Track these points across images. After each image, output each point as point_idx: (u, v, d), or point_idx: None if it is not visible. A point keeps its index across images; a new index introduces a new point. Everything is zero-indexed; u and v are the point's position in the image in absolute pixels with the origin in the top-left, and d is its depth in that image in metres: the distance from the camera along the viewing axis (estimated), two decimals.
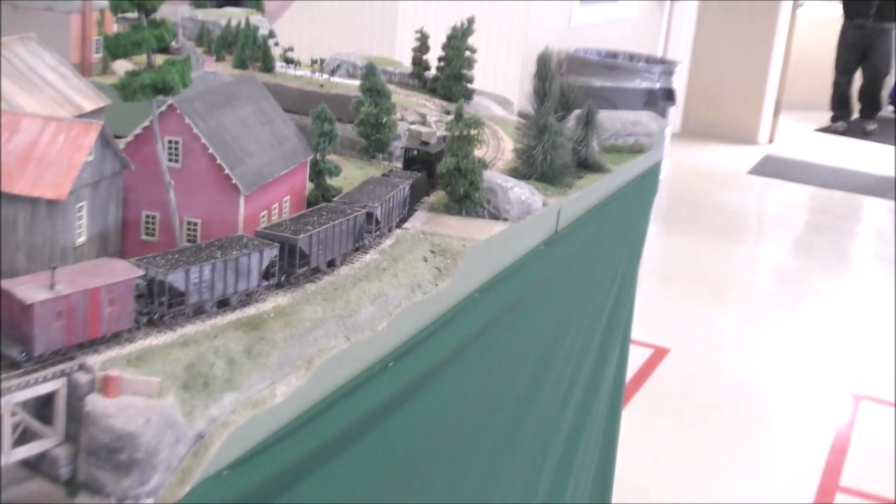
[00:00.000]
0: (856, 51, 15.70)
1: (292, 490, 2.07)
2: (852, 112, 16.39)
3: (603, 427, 4.38)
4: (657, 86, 9.88)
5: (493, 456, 3.19)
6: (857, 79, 16.18)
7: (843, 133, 16.14)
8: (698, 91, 14.79)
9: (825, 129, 16.35)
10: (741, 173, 13.38)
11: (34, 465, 1.84)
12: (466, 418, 2.93)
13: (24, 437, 1.81)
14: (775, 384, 7.36)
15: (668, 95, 10.02)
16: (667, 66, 10.14)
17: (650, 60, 10.67)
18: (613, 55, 10.70)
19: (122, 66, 4.43)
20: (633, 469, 5.70)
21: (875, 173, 13.87)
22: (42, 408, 1.85)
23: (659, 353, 7.52)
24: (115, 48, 2.10)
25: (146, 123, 2.29)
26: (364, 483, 2.37)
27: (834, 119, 16.54)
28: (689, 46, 14.64)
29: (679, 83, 11.34)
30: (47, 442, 1.81)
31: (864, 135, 15.97)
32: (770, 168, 13.71)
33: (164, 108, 2.27)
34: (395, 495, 2.54)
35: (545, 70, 3.36)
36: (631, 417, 6.22)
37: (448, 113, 4.16)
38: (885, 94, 16.44)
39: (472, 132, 2.86)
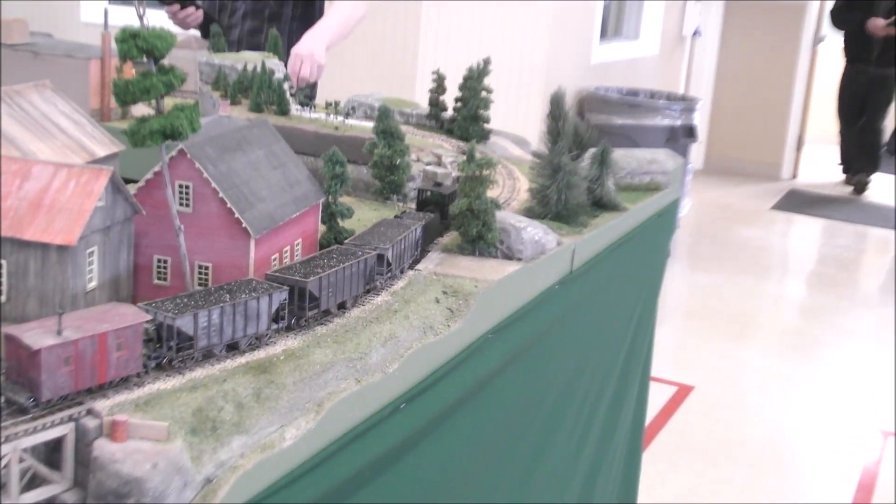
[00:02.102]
0: (857, 98, 14.48)
1: None
2: (876, 163, 15.05)
3: (622, 468, 4.35)
4: (678, 123, 9.88)
5: (508, 501, 3.16)
6: None
7: (863, 190, 14.89)
8: (721, 127, 14.79)
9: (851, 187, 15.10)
10: (765, 209, 13.34)
11: None
12: (480, 462, 2.92)
13: (32, 482, 1.82)
14: (802, 421, 7.30)
15: (690, 132, 10.02)
16: (688, 103, 10.14)
17: (671, 97, 10.68)
18: (634, 93, 10.72)
19: (141, 110, 4.48)
20: None
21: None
22: (51, 453, 1.85)
23: (683, 391, 7.48)
24: (125, 95, 2.12)
25: (157, 168, 2.31)
26: None
27: (849, 175, 15.19)
28: (710, 83, 14.66)
29: (701, 120, 11.34)
30: (56, 487, 1.81)
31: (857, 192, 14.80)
32: (794, 203, 13.66)
33: (174, 152, 2.29)
34: None
35: (558, 110, 3.37)
36: (655, 457, 6.18)
37: (464, 153, 4.18)
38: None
39: (485, 173, 2.87)
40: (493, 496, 3.03)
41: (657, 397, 6.31)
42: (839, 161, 15.25)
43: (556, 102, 3.36)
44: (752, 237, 12.08)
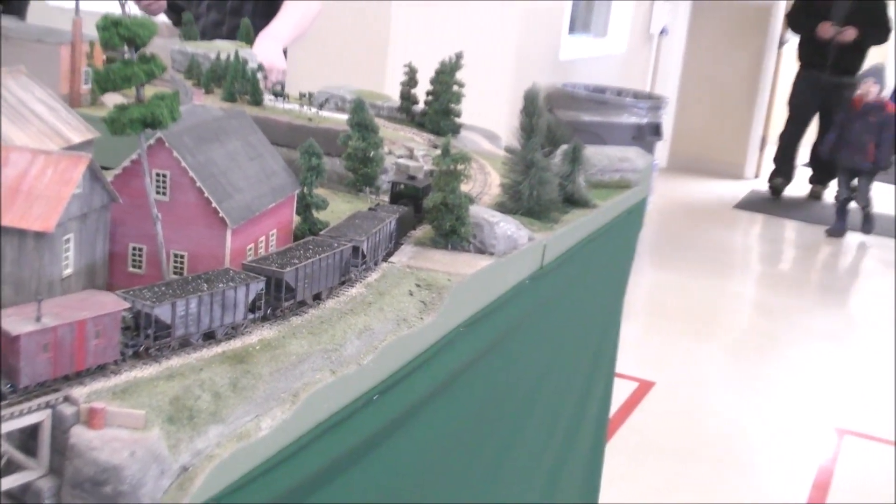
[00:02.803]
0: (810, 105, 14.01)
1: None
2: (794, 171, 14.62)
3: (585, 463, 4.39)
4: (645, 121, 9.94)
5: (476, 491, 3.19)
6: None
7: (779, 195, 14.46)
8: (685, 126, 14.90)
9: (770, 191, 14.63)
10: (728, 208, 13.45)
11: (16, 497, 1.84)
12: (450, 453, 2.94)
13: (7, 468, 1.82)
14: (760, 419, 7.39)
15: (656, 130, 10.09)
16: (655, 102, 10.21)
17: (638, 96, 10.75)
18: (601, 90, 10.78)
19: (111, 98, 4.45)
20: None
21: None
22: (26, 440, 1.85)
23: (644, 387, 7.54)
24: (105, 83, 2.12)
25: (134, 157, 2.31)
26: None
27: (773, 176, 14.70)
28: (676, 81, 14.75)
29: (666, 118, 11.41)
30: (31, 473, 1.81)
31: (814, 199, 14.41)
32: (757, 203, 13.79)
33: (152, 141, 2.29)
34: None
35: (532, 106, 3.39)
36: (616, 452, 6.23)
37: (436, 147, 4.19)
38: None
39: (459, 167, 2.88)
40: (462, 487, 3.06)
41: (618, 393, 6.35)
42: (773, 162, 14.79)
43: (531, 99, 3.38)
44: (714, 236, 12.18)
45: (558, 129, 3.61)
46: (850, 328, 9.62)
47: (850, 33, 13.30)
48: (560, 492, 3.98)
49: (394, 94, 4.90)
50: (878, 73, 12.83)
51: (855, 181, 12.78)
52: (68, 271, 2.18)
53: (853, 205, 12.87)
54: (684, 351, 8.45)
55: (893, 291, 11.14)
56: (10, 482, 1.79)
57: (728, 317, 9.75)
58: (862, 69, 13.47)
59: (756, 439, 7.09)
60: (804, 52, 14.12)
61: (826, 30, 13.40)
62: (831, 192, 14.30)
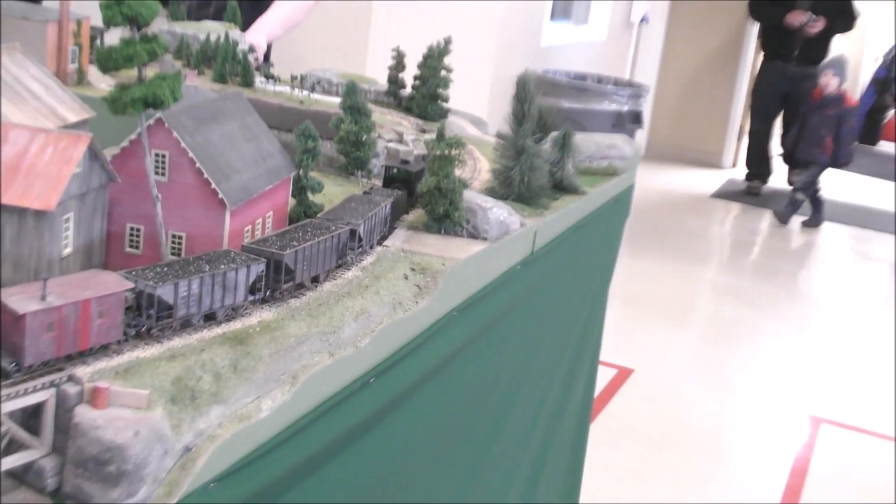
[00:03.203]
0: (776, 97, 13.43)
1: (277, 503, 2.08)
2: (772, 170, 14.15)
3: (570, 448, 4.41)
4: (625, 108, 9.97)
5: (466, 474, 3.21)
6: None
7: (758, 195, 13.90)
8: (664, 114, 14.94)
9: (745, 192, 14.06)
10: (705, 197, 13.52)
11: (18, 476, 1.84)
12: (441, 436, 2.95)
13: (8, 447, 1.81)
14: (738, 407, 7.45)
15: (636, 118, 10.11)
16: (635, 90, 10.23)
17: (618, 83, 10.76)
18: (582, 77, 10.79)
19: (97, 77, 4.43)
20: (598, 492, 5.74)
21: (838, 200, 14.05)
22: (28, 419, 1.85)
23: (623, 374, 7.58)
24: (107, 62, 2.11)
25: (133, 137, 2.30)
26: (343, 497, 2.38)
27: (749, 178, 14.19)
28: (655, 70, 14.79)
29: (645, 106, 11.45)
30: (34, 452, 1.81)
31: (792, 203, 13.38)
32: (734, 192, 13.85)
33: (151, 121, 2.28)
34: None
35: (524, 92, 3.40)
36: (595, 438, 6.25)
37: (424, 132, 4.19)
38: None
39: (454, 152, 2.89)
40: (452, 470, 3.07)
41: (598, 379, 6.36)
42: (746, 163, 14.27)
43: (523, 85, 3.39)
44: (692, 224, 12.25)
45: (549, 115, 3.62)
46: (824, 317, 9.70)
47: (819, 24, 12.81)
48: (546, 474, 4.00)
49: (375, 78, 4.90)
50: (838, 66, 12.48)
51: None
52: (67, 251, 2.18)
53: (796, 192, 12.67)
54: (662, 338, 8.50)
55: (868, 282, 11.25)
56: (13, 461, 1.79)
57: (705, 305, 9.81)
58: (827, 59, 13.02)
59: (733, 426, 7.15)
60: (768, 43, 13.58)
61: (797, 17, 12.85)
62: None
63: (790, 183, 13.61)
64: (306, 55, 8.74)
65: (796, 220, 12.75)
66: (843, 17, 12.96)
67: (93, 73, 4.42)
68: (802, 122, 12.43)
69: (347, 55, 9.16)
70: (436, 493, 2.98)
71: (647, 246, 11.00)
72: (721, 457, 6.66)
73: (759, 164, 14.01)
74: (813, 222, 12.76)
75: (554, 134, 3.66)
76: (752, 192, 14.04)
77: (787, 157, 13.56)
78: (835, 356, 8.60)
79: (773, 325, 9.32)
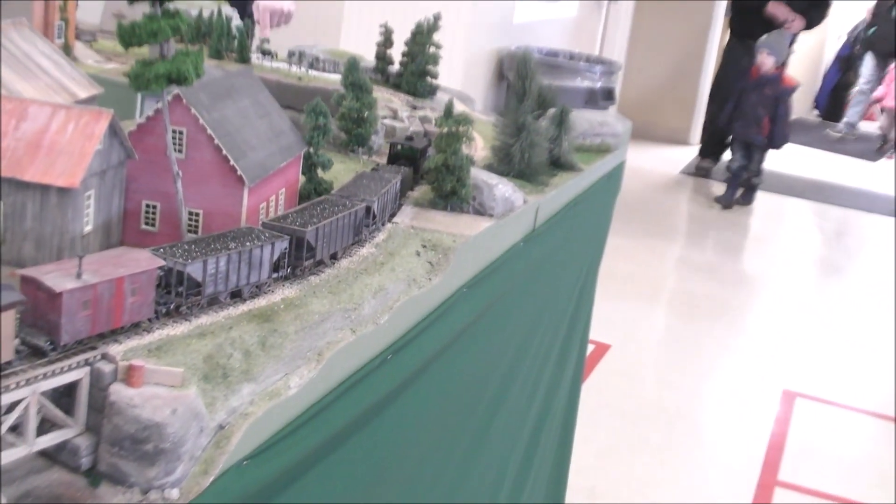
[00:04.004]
0: (737, 77, 12.47)
1: (302, 480, 2.09)
2: (724, 147, 13.34)
3: (561, 422, 4.44)
4: (598, 85, 9.99)
5: (470, 448, 3.22)
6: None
7: (708, 176, 13.51)
8: (632, 91, 14.96)
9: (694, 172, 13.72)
10: (674, 173, 13.58)
11: (52, 456, 1.83)
12: (450, 409, 2.97)
13: (42, 426, 1.80)
14: (713, 382, 7.51)
15: (609, 95, 10.14)
16: (608, 66, 10.26)
17: (590, 60, 10.78)
18: (554, 54, 10.79)
19: (84, 54, 4.37)
20: (578, 467, 5.77)
21: (803, 176, 14.17)
22: (60, 397, 1.84)
23: (600, 349, 7.63)
24: (130, 37, 2.09)
25: (150, 113, 2.28)
26: (362, 472, 2.39)
27: (701, 157, 13.80)
28: (623, 47, 14.81)
29: (617, 83, 11.47)
30: (69, 431, 1.80)
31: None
32: (702, 168, 13.91)
33: (169, 98, 2.26)
34: (389, 484, 2.57)
35: (525, 69, 3.41)
36: None
37: (415, 108, 4.18)
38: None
39: (462, 129, 2.89)
40: (457, 443, 3.09)
41: None
42: (701, 142, 13.91)
43: (524, 62, 3.39)
44: (661, 201, 12.31)
45: (548, 92, 3.62)
46: (795, 292, 9.79)
47: (798, 24, 12.38)
48: (540, 449, 4.03)
49: (360, 55, 4.87)
50: (773, 45, 11.79)
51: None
52: (88, 228, 2.16)
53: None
54: (636, 314, 8.56)
55: (837, 257, 11.38)
56: (49, 440, 1.78)
57: (677, 281, 9.87)
58: (763, 37, 12.04)
59: (709, 401, 7.22)
60: (738, 23, 13.09)
61: (780, 10, 12.40)
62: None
63: (728, 168, 12.75)
64: (281, 31, 8.68)
65: (761, 197, 12.83)
66: (817, 10, 12.75)
67: (79, 48, 4.37)
68: (738, 101, 11.93)
69: (321, 30, 9.09)
70: (446, 461, 3.01)
71: (617, 222, 11.01)
72: (698, 431, 6.72)
73: (714, 145, 13.59)
74: (725, 201, 12.29)
75: (551, 111, 3.67)
76: (703, 172, 13.64)
77: (718, 136, 13.11)
78: (807, 331, 8.69)
79: (745, 300, 9.40)
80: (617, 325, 8.13)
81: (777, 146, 12.05)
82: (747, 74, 11.90)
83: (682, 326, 8.54)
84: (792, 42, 12.48)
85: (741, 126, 12.01)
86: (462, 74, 9.44)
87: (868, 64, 17.33)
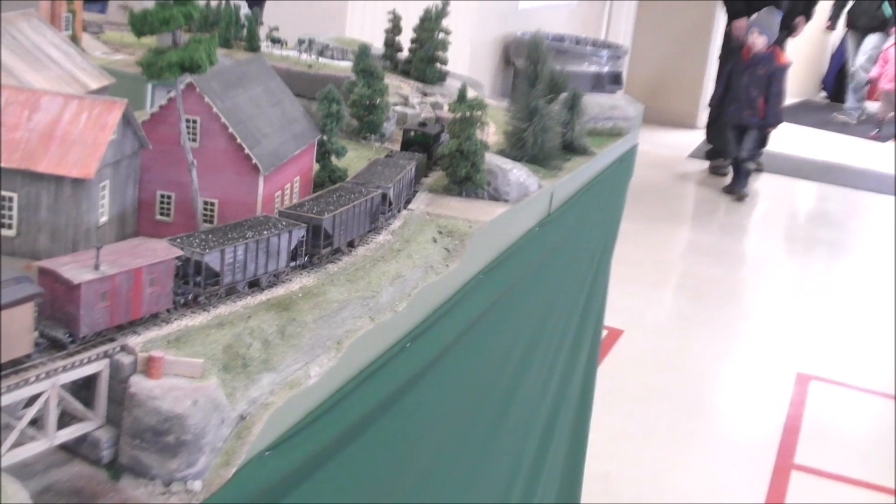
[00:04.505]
0: (733, 57, 11.81)
1: (324, 469, 2.07)
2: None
3: (576, 409, 4.42)
4: (605, 69, 9.95)
5: (487, 434, 3.21)
6: None
7: (725, 174, 12.62)
8: (638, 75, 14.91)
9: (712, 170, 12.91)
10: (681, 157, 13.53)
11: (73, 449, 1.81)
12: (466, 397, 2.95)
13: (62, 419, 1.79)
14: (725, 365, 7.49)
15: (616, 79, 10.11)
16: (615, 50, 10.22)
17: (596, 44, 10.74)
18: (560, 38, 10.75)
19: (91, 45, 4.35)
20: (593, 452, 5.75)
21: (810, 158, 14.11)
22: (79, 390, 1.82)
23: (613, 335, 7.60)
24: (142, 25, 2.07)
25: (163, 102, 2.26)
26: (382, 460, 2.38)
27: (711, 155, 12.97)
28: (629, 31, 14.76)
29: (624, 67, 11.42)
30: (89, 424, 1.78)
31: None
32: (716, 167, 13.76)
33: (182, 86, 2.24)
34: (407, 473, 2.56)
35: (537, 53, 3.38)
36: None
37: (425, 94, 4.16)
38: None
39: (476, 114, 2.87)
40: (473, 431, 3.08)
41: None
42: (707, 139, 13.11)
43: (535, 46, 3.36)
44: (668, 185, 12.26)
45: (559, 77, 3.60)
46: (806, 274, 9.76)
47: (802, 24, 11.88)
48: (557, 432, 4.01)
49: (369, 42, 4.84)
50: (763, 23, 11.23)
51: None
52: (103, 219, 2.14)
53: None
54: (648, 299, 8.53)
55: (849, 238, 11.33)
56: (69, 433, 1.77)
57: (687, 265, 9.84)
58: (753, 16, 11.44)
59: (723, 385, 7.20)
60: (733, 6, 12.10)
61: (739, 27, 11.58)
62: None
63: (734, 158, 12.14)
64: (288, 20, 8.65)
65: (769, 179, 12.79)
66: (809, 3, 12.25)
67: (86, 40, 4.34)
68: (730, 82, 11.49)
69: (327, 18, 9.06)
70: (463, 447, 3.00)
71: (627, 206, 10.99)
72: (713, 415, 6.70)
73: (719, 138, 12.49)
74: (737, 189, 11.76)
75: (563, 95, 3.64)
76: (717, 171, 12.83)
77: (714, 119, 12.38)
78: (819, 312, 8.66)
79: (755, 282, 9.37)
80: (629, 310, 8.10)
81: (772, 126, 11.61)
82: (738, 55, 11.45)
83: (694, 310, 8.51)
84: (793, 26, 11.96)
85: (734, 109, 11.57)
86: (468, 60, 9.40)
87: (851, 42, 17.00)
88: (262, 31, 4.12)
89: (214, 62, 2.12)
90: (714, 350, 7.71)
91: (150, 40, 2.56)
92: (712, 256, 10.01)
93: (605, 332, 7.52)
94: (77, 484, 1.75)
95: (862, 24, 16.67)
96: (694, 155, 13.66)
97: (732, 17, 11.91)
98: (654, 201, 11.39)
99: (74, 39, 4.24)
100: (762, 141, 12.00)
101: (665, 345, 7.71)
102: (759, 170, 12.71)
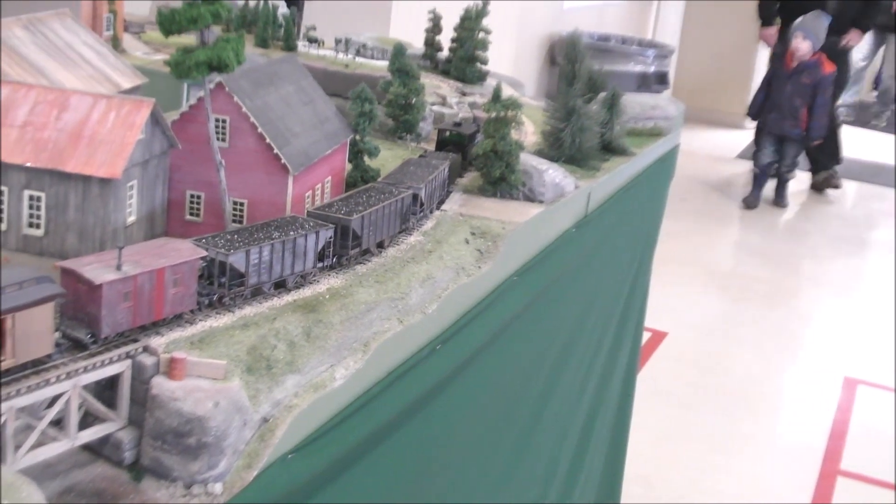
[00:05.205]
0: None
1: (349, 473, 2.05)
2: (840, 150, 12.03)
3: (616, 411, 4.38)
4: (651, 69, 9.87)
5: (520, 439, 3.17)
6: None
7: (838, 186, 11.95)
8: (687, 74, 14.78)
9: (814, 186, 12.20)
10: (730, 157, 13.40)
11: (95, 450, 1.81)
12: (500, 401, 2.92)
13: (84, 420, 1.78)
14: (772, 369, 7.39)
15: (662, 79, 10.02)
16: (661, 50, 10.14)
17: (643, 44, 10.66)
18: (606, 38, 10.68)
19: (133, 45, 4.37)
20: (634, 454, 5.69)
21: (868, 160, 13.89)
22: (102, 391, 1.81)
23: (657, 337, 7.53)
24: (170, 24, 2.06)
25: (193, 101, 2.25)
26: (412, 464, 2.35)
27: (816, 168, 12.05)
28: (677, 31, 14.64)
29: (671, 67, 11.32)
30: (112, 425, 1.78)
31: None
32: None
33: (211, 86, 2.23)
34: (438, 475, 2.54)
35: (574, 52, 3.34)
36: None
37: (464, 94, 4.13)
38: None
39: (510, 114, 2.83)
40: (510, 431, 3.04)
41: None
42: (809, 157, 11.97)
43: (573, 44, 3.33)
44: (716, 185, 12.14)
45: (598, 76, 3.55)
46: (856, 278, 9.62)
47: (855, 37, 11.04)
48: (594, 436, 3.97)
49: (408, 42, 4.83)
50: (808, 28, 10.47)
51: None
52: (132, 219, 2.13)
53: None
54: (693, 300, 8.45)
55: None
56: (92, 434, 1.76)
57: (734, 266, 9.73)
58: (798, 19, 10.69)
59: (769, 388, 7.10)
60: (767, 9, 11.44)
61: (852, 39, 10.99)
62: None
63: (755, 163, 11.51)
64: (331, 21, 8.66)
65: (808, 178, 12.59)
66: (865, 17, 11.22)
67: (128, 40, 4.36)
68: (771, 91, 10.78)
69: (371, 18, 9.06)
70: (495, 452, 2.96)
71: (672, 207, 10.86)
72: (758, 419, 6.61)
73: (831, 148, 11.67)
74: (751, 202, 11.16)
75: (602, 94, 3.60)
76: (828, 184, 12.04)
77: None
78: (868, 316, 8.52)
79: (802, 285, 9.25)
80: (673, 311, 8.03)
81: (815, 139, 10.83)
82: (781, 62, 10.73)
83: (740, 312, 8.41)
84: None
85: (775, 119, 10.80)
86: (513, 60, 9.37)
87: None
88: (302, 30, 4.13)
89: (242, 61, 2.10)
90: (760, 353, 7.61)
91: (188, 39, 2.56)
92: (760, 257, 9.90)
93: (648, 335, 7.45)
94: (99, 485, 1.74)
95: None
96: (742, 155, 13.51)
97: (765, 22, 11.28)
98: (702, 201, 11.29)
99: (116, 40, 4.27)
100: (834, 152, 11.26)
101: (710, 347, 7.62)
102: (837, 186, 12.06)
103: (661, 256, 9.01)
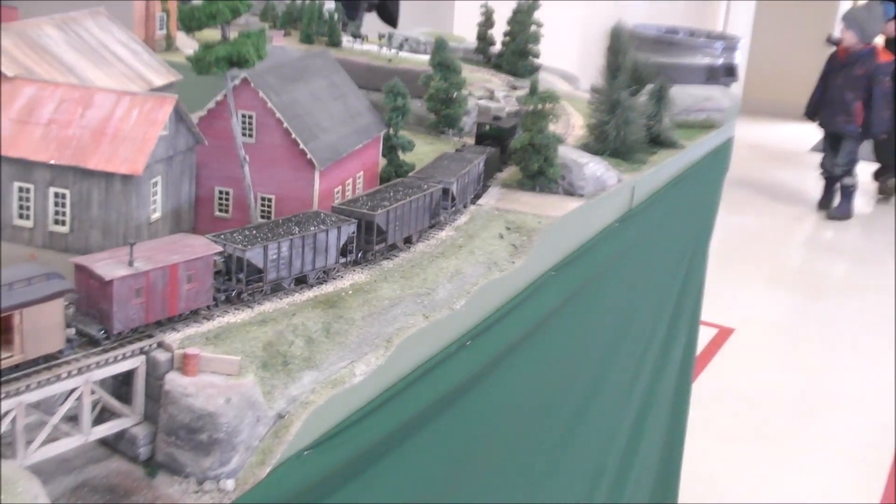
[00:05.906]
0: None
1: (371, 470, 2.03)
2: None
3: (670, 408, 4.30)
4: (719, 62, 9.71)
5: (561, 439, 3.13)
6: None
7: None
8: (759, 67, 14.55)
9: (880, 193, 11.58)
10: (803, 151, 13.16)
11: (111, 445, 1.81)
12: (539, 398, 2.88)
13: (101, 416, 1.78)
14: (840, 367, 7.21)
15: (730, 72, 9.85)
16: (729, 42, 9.97)
17: (711, 36, 10.50)
18: (674, 31, 10.54)
19: (185, 43, 4.40)
20: (697, 452, 5.60)
21: None
22: (119, 386, 1.82)
23: (724, 334, 7.41)
24: (190, 21, 2.06)
25: (219, 97, 2.25)
26: (441, 462, 2.32)
27: (878, 173, 11.41)
28: (749, 22, 14.40)
29: (740, 59, 11.13)
30: (126, 421, 1.78)
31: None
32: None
33: (237, 81, 2.22)
34: (470, 473, 2.50)
35: (618, 44, 3.29)
36: (697, 398, 6.12)
37: (515, 88, 4.09)
38: None
39: (547, 107, 2.79)
40: (550, 431, 3.00)
41: (699, 339, 6.23)
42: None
43: (617, 37, 3.27)
44: (787, 179, 11.93)
45: (644, 68, 3.49)
46: None
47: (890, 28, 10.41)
48: (647, 432, 3.90)
49: (462, 36, 4.80)
50: (854, 19, 10.10)
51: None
52: (156, 215, 2.13)
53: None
54: (761, 296, 8.30)
55: None
56: (106, 429, 1.76)
57: (804, 262, 9.54)
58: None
59: (838, 387, 6.93)
60: None
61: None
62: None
63: (822, 166, 10.84)
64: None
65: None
66: None
67: (181, 38, 4.40)
68: (824, 85, 10.34)
69: (434, 15, 9.04)
70: (532, 457, 2.91)
71: (742, 201, 10.73)
72: (826, 419, 6.46)
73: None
74: (841, 213, 10.52)
75: (649, 86, 3.54)
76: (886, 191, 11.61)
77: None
78: None
79: (877, 282, 9.02)
80: (741, 307, 7.90)
81: (875, 135, 10.26)
82: (834, 54, 10.31)
83: (809, 308, 8.24)
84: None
85: (827, 114, 10.28)
86: (577, 53, 9.28)
87: None
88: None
89: (263, 56, 2.09)
90: (829, 350, 7.45)
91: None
92: (833, 253, 9.71)
93: (715, 331, 7.35)
94: (113, 480, 1.74)
95: None
96: (815, 149, 13.26)
97: None
98: (772, 196, 11.09)
99: (169, 38, 4.31)
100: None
101: (778, 344, 7.48)
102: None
103: (729, 252, 8.90)
